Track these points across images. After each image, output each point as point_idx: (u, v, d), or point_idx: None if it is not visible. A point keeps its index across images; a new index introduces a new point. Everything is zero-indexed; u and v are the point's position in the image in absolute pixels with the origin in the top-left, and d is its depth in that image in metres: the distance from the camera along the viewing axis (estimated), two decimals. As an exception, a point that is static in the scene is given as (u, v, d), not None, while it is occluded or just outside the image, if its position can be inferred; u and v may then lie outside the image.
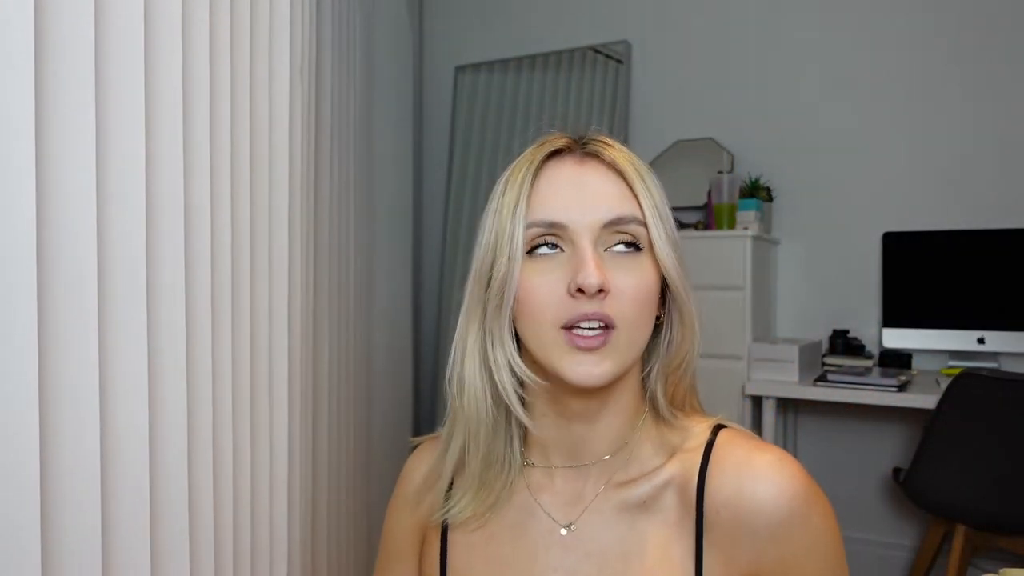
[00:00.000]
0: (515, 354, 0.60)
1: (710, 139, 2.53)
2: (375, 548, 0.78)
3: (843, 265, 2.39)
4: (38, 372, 0.65)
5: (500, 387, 0.61)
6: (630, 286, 0.57)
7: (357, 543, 1.78)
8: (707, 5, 2.60)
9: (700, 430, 0.62)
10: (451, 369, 0.63)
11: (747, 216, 2.25)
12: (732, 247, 2.15)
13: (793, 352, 2.05)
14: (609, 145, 0.61)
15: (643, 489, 0.61)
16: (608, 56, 2.71)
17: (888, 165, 2.33)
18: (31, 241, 0.64)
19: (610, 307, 0.56)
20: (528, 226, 0.58)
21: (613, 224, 0.57)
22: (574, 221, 0.57)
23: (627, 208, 0.58)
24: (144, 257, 0.79)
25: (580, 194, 0.58)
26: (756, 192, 2.34)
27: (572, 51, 2.77)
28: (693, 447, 0.61)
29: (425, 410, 2.97)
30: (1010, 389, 1.65)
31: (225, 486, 1.01)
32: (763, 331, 2.30)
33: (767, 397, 2.07)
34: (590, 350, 0.56)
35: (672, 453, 0.62)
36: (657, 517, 0.60)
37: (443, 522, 0.67)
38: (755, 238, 2.17)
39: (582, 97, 2.74)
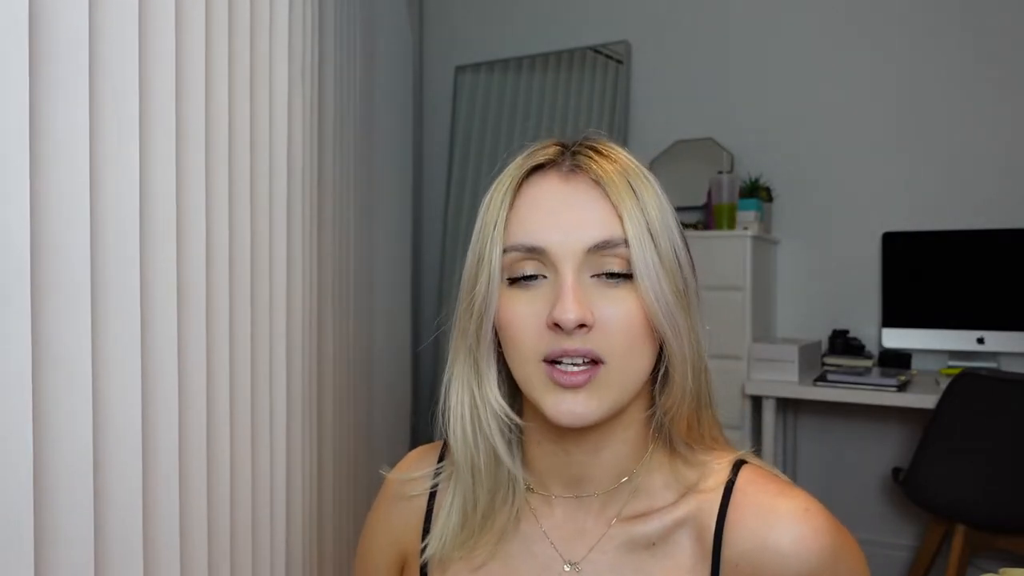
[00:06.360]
0: (498, 396, 0.57)
1: (710, 139, 2.53)
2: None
3: (843, 265, 2.39)
4: (31, 376, 0.64)
5: (485, 425, 0.57)
6: (618, 317, 0.51)
7: (353, 545, 1.78)
8: (707, 5, 2.60)
9: (719, 467, 0.57)
10: (441, 401, 0.59)
11: (747, 216, 2.25)
12: (732, 247, 2.16)
13: (793, 352, 2.05)
14: (600, 154, 0.54)
15: (652, 527, 0.56)
16: (608, 56, 2.71)
17: (888, 165, 2.33)
18: (24, 242, 0.63)
19: (596, 341, 0.51)
20: (506, 250, 0.53)
21: (599, 248, 0.51)
22: (555, 245, 0.51)
23: (615, 230, 0.52)
24: (138, 259, 0.79)
25: (562, 215, 0.52)
26: (756, 192, 2.34)
27: (572, 51, 2.77)
28: (711, 486, 0.56)
29: (424, 411, 2.97)
30: (1010, 389, 1.65)
31: (222, 488, 1.01)
32: (763, 331, 2.30)
33: (767, 397, 2.07)
34: (574, 388, 0.51)
35: (686, 490, 0.57)
36: (667, 561, 0.56)
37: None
38: (755, 238, 2.17)
39: (582, 97, 2.74)
